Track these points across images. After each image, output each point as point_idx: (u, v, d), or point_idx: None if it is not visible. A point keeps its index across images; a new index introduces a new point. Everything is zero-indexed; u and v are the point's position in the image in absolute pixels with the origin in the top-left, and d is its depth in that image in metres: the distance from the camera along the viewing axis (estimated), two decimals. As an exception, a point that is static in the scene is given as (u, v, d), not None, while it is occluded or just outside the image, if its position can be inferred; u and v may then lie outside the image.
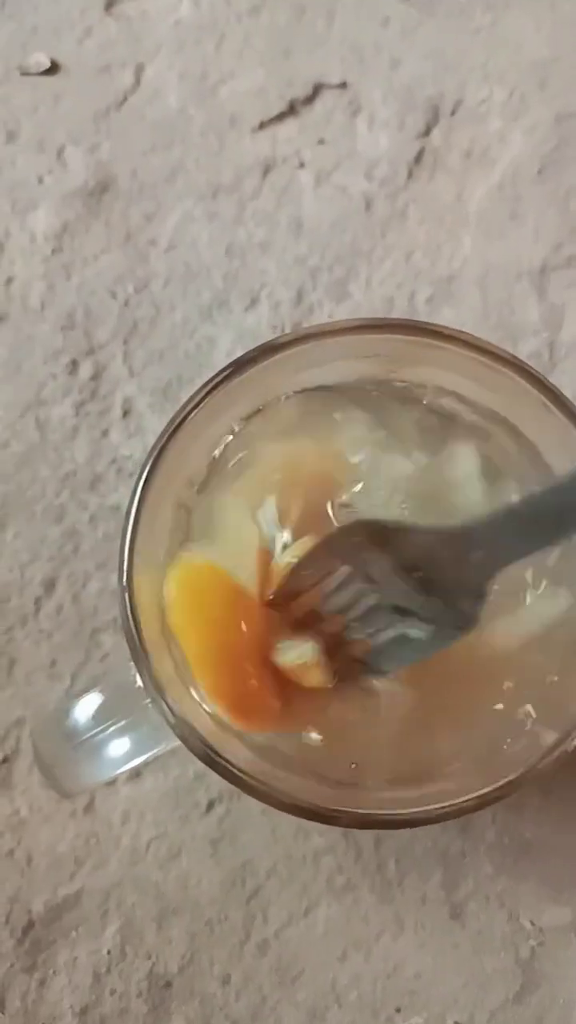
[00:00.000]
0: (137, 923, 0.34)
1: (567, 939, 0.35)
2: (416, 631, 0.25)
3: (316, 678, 0.25)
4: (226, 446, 0.27)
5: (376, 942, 0.34)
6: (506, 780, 0.24)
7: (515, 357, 0.24)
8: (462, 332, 0.24)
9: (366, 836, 0.34)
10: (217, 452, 0.27)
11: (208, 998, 0.34)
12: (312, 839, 0.34)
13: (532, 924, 0.35)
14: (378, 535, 0.25)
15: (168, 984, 0.34)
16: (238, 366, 0.24)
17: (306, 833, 0.34)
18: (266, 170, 0.38)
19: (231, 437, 0.27)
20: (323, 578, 0.26)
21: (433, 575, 0.25)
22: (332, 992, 0.34)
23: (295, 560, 0.26)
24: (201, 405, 0.24)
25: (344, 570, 0.25)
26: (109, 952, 0.34)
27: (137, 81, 0.39)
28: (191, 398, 0.24)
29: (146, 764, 0.34)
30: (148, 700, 0.25)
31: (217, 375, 0.24)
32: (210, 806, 0.34)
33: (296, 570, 0.26)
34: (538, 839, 0.35)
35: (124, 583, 0.24)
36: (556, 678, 0.26)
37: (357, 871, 0.34)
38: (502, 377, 0.24)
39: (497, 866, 0.35)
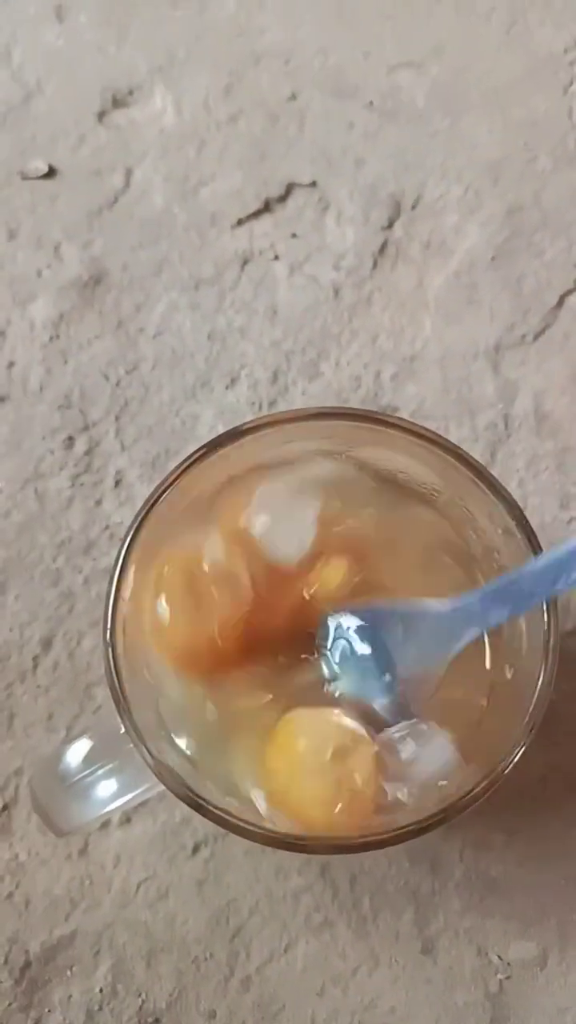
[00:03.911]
0: (128, 962, 0.36)
1: (533, 973, 0.37)
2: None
3: None
4: (197, 515, 0.30)
5: (353, 977, 0.36)
6: (442, 807, 0.27)
7: (445, 439, 0.27)
8: (401, 419, 0.28)
9: (342, 875, 0.37)
10: (189, 520, 0.30)
11: (195, 1033, 0.36)
12: (291, 878, 0.37)
13: (500, 959, 0.37)
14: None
15: (157, 1020, 0.36)
16: (209, 449, 0.27)
17: (286, 873, 0.37)
18: (244, 263, 0.42)
19: (204, 507, 0.30)
20: None
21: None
22: (311, 1026, 0.36)
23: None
24: (176, 483, 0.27)
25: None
26: (101, 990, 0.36)
27: (127, 183, 0.43)
28: (167, 477, 0.27)
29: (135, 809, 0.36)
30: (132, 745, 0.27)
31: (190, 457, 0.27)
32: (196, 849, 0.37)
33: None
34: (504, 876, 0.37)
35: (108, 639, 0.27)
36: (484, 703, 0.29)
37: (334, 909, 0.37)
38: (436, 457, 0.28)
39: (465, 903, 0.37)
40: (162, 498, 0.27)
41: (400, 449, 0.29)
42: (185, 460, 0.27)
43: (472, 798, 0.26)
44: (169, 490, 0.27)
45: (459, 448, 0.28)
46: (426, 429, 0.28)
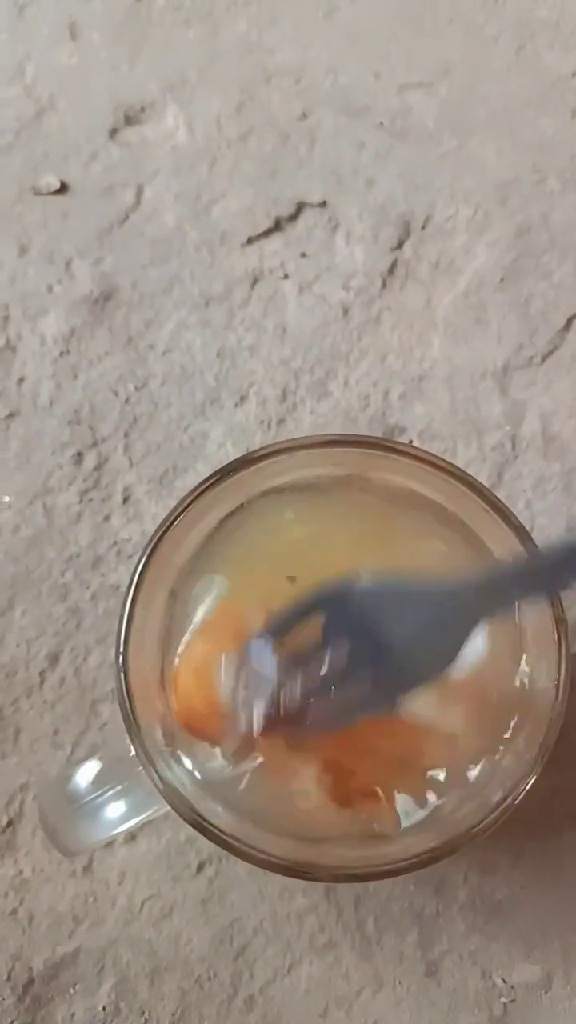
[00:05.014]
0: (131, 980, 0.36)
1: (537, 996, 0.37)
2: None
3: None
4: (210, 538, 0.31)
5: (356, 999, 0.36)
6: (451, 836, 0.27)
7: (454, 466, 0.28)
8: (411, 447, 0.28)
9: (346, 896, 0.37)
10: (202, 543, 0.31)
11: (198, 1053, 0.36)
12: (296, 899, 0.37)
13: (504, 981, 0.37)
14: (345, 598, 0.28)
15: (160, 1039, 0.36)
16: (222, 475, 0.28)
17: (290, 893, 0.37)
18: (254, 281, 0.42)
19: (215, 530, 0.31)
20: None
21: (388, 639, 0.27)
22: (315, 1047, 0.36)
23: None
24: (189, 508, 0.27)
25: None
26: (104, 1008, 0.36)
27: (137, 201, 0.43)
28: (180, 502, 0.27)
29: (141, 827, 0.36)
30: (141, 767, 0.27)
31: (203, 483, 0.27)
32: (200, 867, 0.37)
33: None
34: (508, 899, 0.37)
35: (120, 662, 0.27)
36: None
37: (338, 929, 0.37)
38: (446, 483, 0.28)
39: (470, 925, 0.37)
40: (175, 524, 0.27)
41: (410, 475, 0.29)
42: (197, 487, 0.27)
43: (484, 827, 0.27)
44: (181, 516, 0.27)
45: (467, 474, 0.28)
46: (436, 456, 0.28)
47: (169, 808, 0.28)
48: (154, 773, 0.27)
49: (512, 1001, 0.37)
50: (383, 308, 0.42)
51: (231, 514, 0.30)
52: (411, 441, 0.40)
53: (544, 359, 0.41)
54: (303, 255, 0.42)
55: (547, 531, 0.39)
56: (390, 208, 0.43)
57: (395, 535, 0.31)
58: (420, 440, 0.40)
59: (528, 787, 0.27)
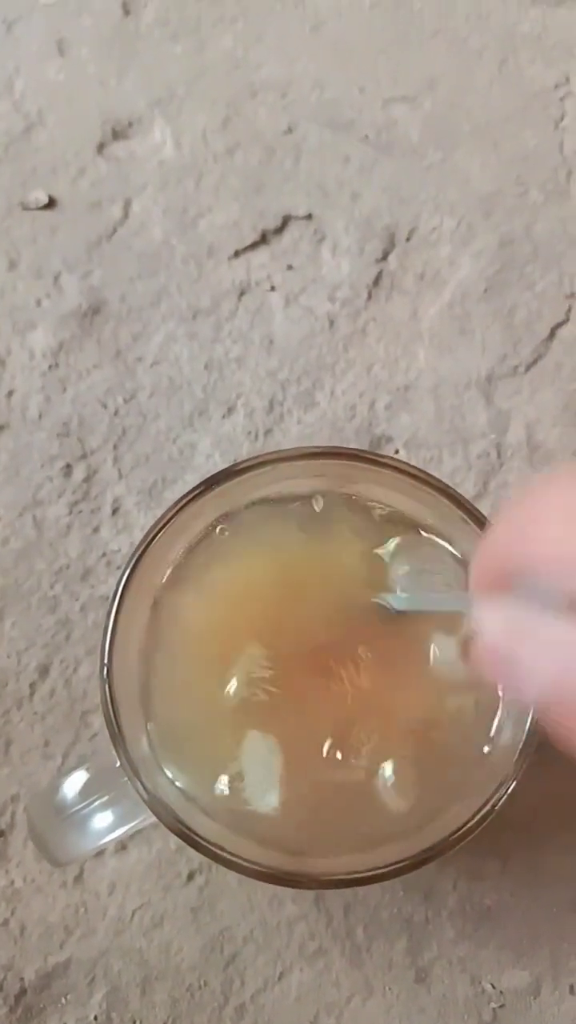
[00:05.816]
0: (122, 989, 0.36)
1: (526, 1002, 0.37)
2: None
3: None
4: (191, 550, 0.31)
5: (347, 1006, 0.37)
6: (434, 842, 0.27)
7: (435, 478, 0.28)
8: (392, 459, 0.28)
9: (336, 904, 0.37)
10: (183, 555, 0.31)
11: (189, 1061, 0.36)
12: (286, 907, 0.37)
13: (493, 987, 0.37)
14: None
15: (151, 1048, 0.36)
16: (205, 487, 0.28)
17: (280, 901, 0.37)
18: (241, 294, 0.42)
19: (197, 542, 0.31)
20: None
21: None
22: (305, 1054, 0.36)
23: None
24: (172, 520, 0.28)
25: None
26: (96, 1018, 0.36)
27: (125, 215, 0.43)
28: (163, 514, 0.28)
29: (130, 837, 0.37)
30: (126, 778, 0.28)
31: (185, 495, 0.28)
32: (190, 876, 0.37)
33: None
34: (497, 905, 0.37)
35: (104, 673, 0.27)
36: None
37: (328, 937, 0.37)
38: (428, 495, 0.28)
39: (459, 931, 0.37)
40: (158, 536, 0.28)
41: (393, 486, 0.29)
42: (181, 499, 0.28)
43: (465, 832, 0.27)
44: (165, 528, 0.28)
45: (449, 487, 0.28)
46: (416, 468, 0.28)
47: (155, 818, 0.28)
48: (139, 784, 0.27)
49: (501, 1007, 0.37)
50: (369, 319, 0.42)
51: (212, 526, 0.31)
52: (397, 451, 0.41)
53: (528, 368, 0.42)
54: (289, 267, 0.43)
55: (532, 539, 0.40)
56: (375, 220, 0.43)
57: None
58: (406, 450, 0.41)
59: (508, 792, 0.27)
